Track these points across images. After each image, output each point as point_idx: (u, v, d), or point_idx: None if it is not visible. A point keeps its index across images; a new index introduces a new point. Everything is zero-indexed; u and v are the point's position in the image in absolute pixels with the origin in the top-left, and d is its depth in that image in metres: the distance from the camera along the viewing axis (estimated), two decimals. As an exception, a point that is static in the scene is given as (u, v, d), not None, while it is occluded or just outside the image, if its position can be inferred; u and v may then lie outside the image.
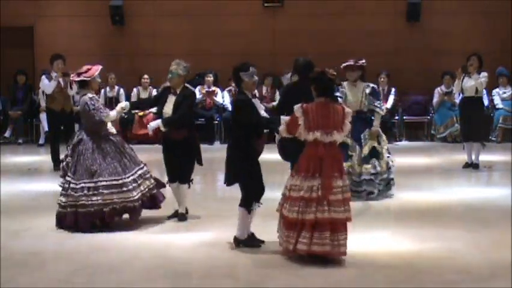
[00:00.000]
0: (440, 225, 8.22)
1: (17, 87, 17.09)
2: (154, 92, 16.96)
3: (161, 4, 17.89)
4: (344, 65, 9.71)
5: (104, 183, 7.99)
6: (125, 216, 8.20)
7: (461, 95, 12.55)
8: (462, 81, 12.13)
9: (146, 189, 8.27)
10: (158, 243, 7.47)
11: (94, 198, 7.93)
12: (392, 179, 9.70)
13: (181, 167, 8.39)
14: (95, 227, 8.00)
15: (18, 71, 17.08)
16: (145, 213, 8.72)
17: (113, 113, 8.41)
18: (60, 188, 8.23)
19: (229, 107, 16.67)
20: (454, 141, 16.00)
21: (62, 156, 8.47)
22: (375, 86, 9.95)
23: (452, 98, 16.02)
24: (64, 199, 8.04)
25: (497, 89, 16.70)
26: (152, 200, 8.34)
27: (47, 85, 12.20)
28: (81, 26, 17.90)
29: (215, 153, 12.50)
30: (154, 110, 16.57)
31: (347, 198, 6.66)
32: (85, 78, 8.24)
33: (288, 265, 6.52)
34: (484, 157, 12.50)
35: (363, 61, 9.68)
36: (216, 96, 16.78)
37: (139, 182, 8.21)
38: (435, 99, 16.70)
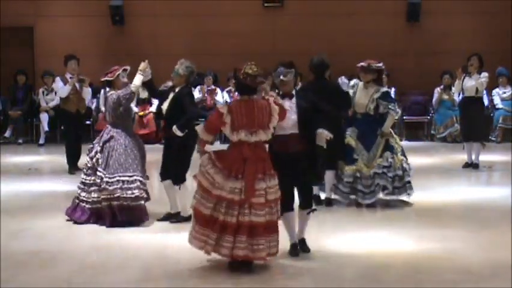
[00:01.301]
0: (440, 225, 8.23)
1: (17, 87, 17.08)
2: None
3: (161, 4, 17.89)
4: (358, 65, 9.42)
5: (139, 178, 8.27)
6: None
7: (461, 95, 12.55)
8: (462, 81, 12.14)
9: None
10: (158, 243, 7.47)
11: (129, 191, 8.16)
12: (409, 182, 9.24)
13: (174, 166, 8.38)
14: (128, 223, 8.14)
15: (18, 71, 17.06)
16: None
17: (135, 82, 8.59)
18: (82, 185, 8.39)
19: (229, 107, 16.66)
20: (454, 141, 15.99)
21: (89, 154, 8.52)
22: (387, 90, 9.53)
23: (451, 95, 15.91)
24: (96, 195, 8.21)
25: (497, 89, 16.69)
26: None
27: (62, 88, 12.10)
28: (81, 26, 17.89)
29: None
30: (153, 109, 16.70)
31: (271, 200, 6.34)
32: (108, 79, 8.60)
33: (287, 265, 6.52)
34: (484, 157, 12.50)
35: (380, 65, 9.28)
36: (216, 96, 16.78)
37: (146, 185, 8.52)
38: (434, 99, 16.69)
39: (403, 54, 17.62)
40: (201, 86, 16.71)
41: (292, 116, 6.81)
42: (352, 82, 9.62)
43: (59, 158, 14.21)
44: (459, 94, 12.69)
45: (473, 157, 12.25)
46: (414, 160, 13.53)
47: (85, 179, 8.40)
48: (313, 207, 7.00)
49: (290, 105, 6.86)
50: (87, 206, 8.31)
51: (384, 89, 9.44)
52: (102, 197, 8.16)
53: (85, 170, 8.49)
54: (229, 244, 6.25)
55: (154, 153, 14.88)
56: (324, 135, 6.75)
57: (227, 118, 6.33)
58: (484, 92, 13.26)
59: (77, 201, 8.43)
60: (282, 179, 6.55)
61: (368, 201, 9.14)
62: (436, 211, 9.04)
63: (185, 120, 8.20)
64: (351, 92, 9.42)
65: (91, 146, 8.58)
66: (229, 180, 6.28)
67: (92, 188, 8.27)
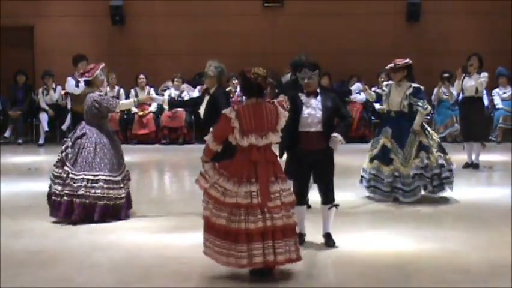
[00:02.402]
0: (440, 225, 8.23)
1: (17, 87, 17.08)
2: (152, 92, 16.98)
3: (161, 4, 17.90)
4: (386, 67, 9.66)
5: (104, 177, 8.30)
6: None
7: (461, 95, 12.55)
8: (462, 81, 12.14)
9: (127, 191, 8.61)
10: (158, 243, 7.47)
11: (93, 190, 8.24)
12: (448, 177, 9.40)
13: None
14: (86, 221, 8.20)
15: (18, 71, 17.07)
16: (145, 213, 8.76)
17: (123, 104, 8.71)
18: (52, 177, 8.44)
19: (229, 107, 16.67)
20: (454, 141, 15.99)
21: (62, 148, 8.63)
22: (419, 86, 9.51)
23: (451, 91, 15.55)
24: (60, 188, 8.29)
25: (497, 89, 16.69)
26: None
27: (74, 86, 11.96)
28: (81, 26, 17.90)
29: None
30: (153, 109, 16.70)
31: (287, 202, 6.21)
32: (87, 78, 8.57)
33: (287, 265, 6.50)
34: (484, 157, 12.50)
35: (406, 61, 9.49)
36: (216, 96, 16.76)
37: (124, 182, 8.56)
38: (434, 94, 16.59)
39: (403, 54, 17.51)
40: (201, 86, 16.69)
41: (317, 114, 7.03)
42: (385, 82, 9.82)
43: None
44: (459, 94, 12.68)
45: (473, 157, 12.25)
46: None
47: (54, 171, 8.49)
48: (335, 202, 7.24)
49: (316, 103, 7.09)
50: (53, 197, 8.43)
51: (416, 85, 9.50)
52: (65, 191, 8.26)
53: (55, 163, 8.57)
54: (260, 251, 6.05)
55: (154, 153, 14.96)
56: (338, 139, 6.97)
57: (235, 123, 6.18)
58: (484, 92, 13.25)
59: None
60: (300, 174, 6.88)
61: (408, 200, 9.30)
62: (436, 211, 9.04)
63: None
64: (385, 92, 9.58)
65: (65, 140, 8.72)
66: (242, 186, 6.11)
67: (57, 181, 8.36)
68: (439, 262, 6.67)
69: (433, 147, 9.43)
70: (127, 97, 16.69)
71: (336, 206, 7.25)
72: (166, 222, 8.38)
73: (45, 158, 14.58)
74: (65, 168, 8.34)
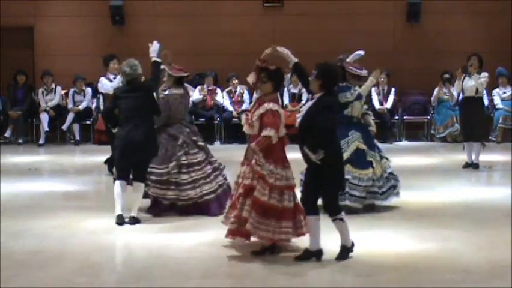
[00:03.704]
0: (440, 225, 8.23)
1: (17, 87, 17.06)
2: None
3: (161, 4, 17.88)
4: (353, 73, 9.20)
5: None
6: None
7: (461, 95, 12.55)
8: (462, 81, 12.15)
9: None
10: (158, 243, 7.47)
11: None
12: (395, 185, 9.14)
13: None
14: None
15: (18, 71, 17.04)
16: (145, 213, 8.77)
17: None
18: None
19: (229, 108, 16.68)
20: (454, 141, 15.99)
21: None
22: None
23: (451, 91, 15.41)
24: (208, 186, 8.75)
25: (497, 89, 16.68)
26: None
27: (108, 85, 11.63)
28: (81, 26, 17.88)
29: (215, 153, 12.31)
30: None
31: None
32: (186, 74, 9.26)
33: (288, 265, 6.52)
34: (484, 157, 12.50)
35: (364, 73, 9.16)
36: (216, 96, 16.77)
37: None
38: (433, 95, 16.54)
39: (403, 54, 17.61)
40: (201, 85, 16.70)
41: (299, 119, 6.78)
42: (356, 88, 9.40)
43: (59, 158, 14.23)
44: (459, 94, 12.68)
45: (473, 157, 12.24)
46: (415, 160, 13.57)
47: (194, 177, 8.68)
48: (339, 216, 6.73)
49: (307, 107, 6.72)
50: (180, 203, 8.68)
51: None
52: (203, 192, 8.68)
53: (186, 170, 8.68)
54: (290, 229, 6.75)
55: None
56: (311, 156, 6.47)
57: (282, 116, 6.81)
58: (484, 92, 13.24)
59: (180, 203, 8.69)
60: (306, 180, 7.00)
61: (385, 202, 9.03)
62: (436, 211, 9.04)
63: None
64: (351, 97, 9.20)
65: (185, 146, 8.76)
66: (286, 170, 6.77)
67: (201, 182, 8.68)
68: (439, 262, 6.67)
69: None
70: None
71: (339, 219, 6.71)
72: (166, 222, 8.39)
73: (46, 158, 14.59)
74: (207, 167, 8.79)
